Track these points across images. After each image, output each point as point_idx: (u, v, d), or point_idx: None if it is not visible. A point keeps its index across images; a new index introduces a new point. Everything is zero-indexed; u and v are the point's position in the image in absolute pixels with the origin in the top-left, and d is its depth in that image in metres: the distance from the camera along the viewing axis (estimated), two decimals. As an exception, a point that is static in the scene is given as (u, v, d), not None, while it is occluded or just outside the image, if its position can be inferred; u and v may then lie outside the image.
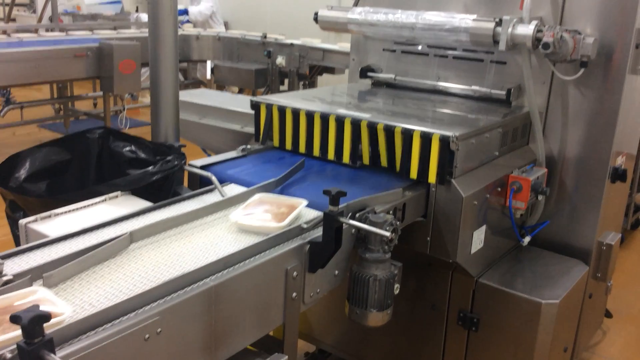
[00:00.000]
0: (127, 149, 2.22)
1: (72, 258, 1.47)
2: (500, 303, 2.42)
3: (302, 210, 1.85)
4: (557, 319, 2.38)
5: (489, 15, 2.57)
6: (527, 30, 2.38)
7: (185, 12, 7.96)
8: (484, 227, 2.37)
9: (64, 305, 1.25)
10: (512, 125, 2.59)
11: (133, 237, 1.63)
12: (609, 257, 2.77)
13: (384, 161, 2.31)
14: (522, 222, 2.72)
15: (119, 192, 2.00)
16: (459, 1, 2.84)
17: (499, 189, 2.42)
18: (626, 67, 2.50)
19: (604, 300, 3.14)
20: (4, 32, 6.28)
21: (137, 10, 8.30)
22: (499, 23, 2.44)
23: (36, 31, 6.83)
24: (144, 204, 1.94)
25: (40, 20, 8.85)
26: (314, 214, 1.92)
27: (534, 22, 2.38)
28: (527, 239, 2.64)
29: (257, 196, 1.91)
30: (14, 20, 9.72)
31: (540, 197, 2.55)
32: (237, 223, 1.74)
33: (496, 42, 2.44)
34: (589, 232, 2.70)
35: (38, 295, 1.29)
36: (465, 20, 2.51)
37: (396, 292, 1.90)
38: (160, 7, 2.04)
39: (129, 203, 1.96)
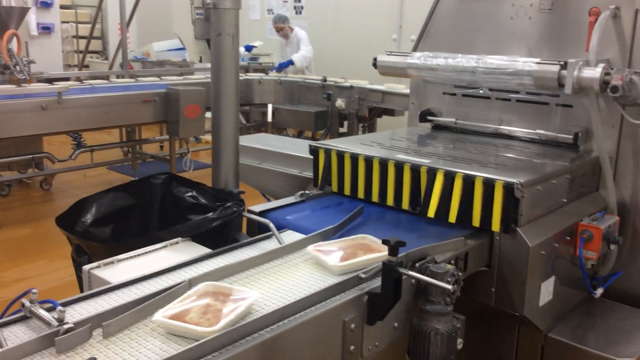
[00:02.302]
0: (189, 194, 2.26)
1: (131, 306, 1.49)
2: (571, 359, 2.28)
3: (250, 305, 1.50)
4: (634, 379, 2.22)
5: (552, 57, 2.50)
6: (594, 73, 2.30)
7: (290, 63, 8.27)
8: (552, 278, 2.26)
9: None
10: (581, 170, 2.48)
11: (191, 284, 1.63)
12: (691, 311, 2.58)
13: (439, 211, 2.25)
14: (594, 273, 2.57)
15: (179, 238, 2.02)
16: (521, 44, 2.79)
17: (568, 238, 2.31)
18: (703, 110, 2.37)
19: (686, 358, 2.91)
20: (78, 79, 6.63)
21: (200, 61, 8.64)
22: (564, 66, 2.36)
23: (107, 78, 7.18)
24: (203, 250, 1.95)
25: (111, 67, 9.33)
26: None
27: (601, 65, 2.30)
28: (599, 291, 2.49)
29: (204, 285, 1.58)
30: (87, 67, 10.28)
31: (612, 247, 2.41)
32: (161, 322, 1.42)
33: (561, 85, 2.36)
34: (666, 284, 2.53)
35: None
36: (528, 63, 2.46)
37: (459, 347, 1.82)
38: (223, 57, 2.09)
39: (188, 249, 1.98)
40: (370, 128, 7.00)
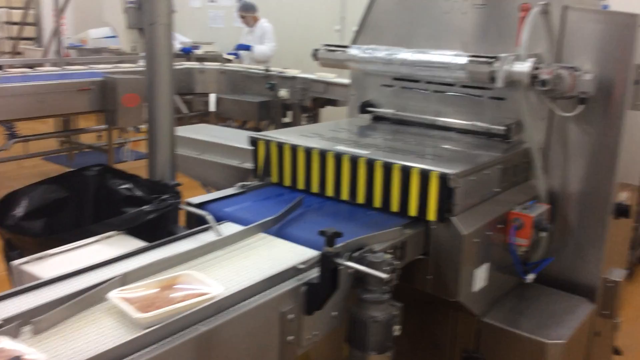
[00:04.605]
0: (124, 186, 2.22)
1: (62, 302, 1.45)
2: (505, 343, 2.37)
3: None
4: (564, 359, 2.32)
5: (486, 52, 2.57)
6: (523, 67, 2.37)
7: (248, 47, 8.11)
8: (486, 265, 2.33)
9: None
10: (513, 161, 2.57)
11: (126, 279, 1.61)
12: (615, 294, 2.72)
13: (377, 201, 2.29)
14: (526, 259, 2.67)
15: (114, 232, 1.98)
16: (456, 39, 2.84)
17: (501, 226, 2.39)
18: (626, 103, 2.49)
19: (612, 338, 3.07)
20: (10, 66, 6.36)
21: (133, 50, 8.44)
22: (496, 60, 2.43)
23: (41, 65, 6.92)
24: (139, 243, 1.92)
25: (46, 54, 8.98)
26: (311, 253, 1.89)
27: (531, 60, 2.38)
28: (530, 276, 2.59)
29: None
30: (20, 54, 9.86)
31: (542, 234, 2.51)
32: None
33: (493, 79, 2.43)
34: (593, 269, 2.65)
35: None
36: (462, 58, 2.51)
37: (396, 334, 1.86)
38: (157, 47, 2.05)
39: (123, 243, 1.94)
40: (314, 118, 7.02)
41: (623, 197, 2.70)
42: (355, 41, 3.13)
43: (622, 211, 2.64)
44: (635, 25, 2.44)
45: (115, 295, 1.47)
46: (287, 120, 7.03)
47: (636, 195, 3.02)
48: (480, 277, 2.32)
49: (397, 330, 1.85)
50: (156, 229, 2.03)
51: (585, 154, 2.60)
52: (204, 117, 7.94)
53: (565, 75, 2.36)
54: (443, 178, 2.13)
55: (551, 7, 2.57)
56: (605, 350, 3.03)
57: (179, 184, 2.19)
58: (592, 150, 2.59)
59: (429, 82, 2.96)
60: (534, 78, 2.36)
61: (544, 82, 2.33)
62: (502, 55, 2.40)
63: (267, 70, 6.97)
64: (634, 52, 2.46)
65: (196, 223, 2.16)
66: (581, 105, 2.46)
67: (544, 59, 2.57)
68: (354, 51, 2.86)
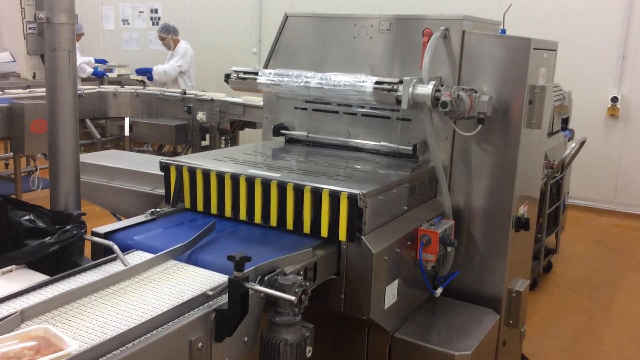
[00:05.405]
0: (26, 218, 2.12)
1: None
2: (416, 357, 2.43)
3: None
4: (472, 370, 2.41)
5: (392, 75, 2.66)
6: (426, 90, 2.49)
7: (149, 70, 7.89)
8: (396, 282, 2.40)
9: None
10: (419, 179, 2.66)
11: (24, 316, 1.54)
12: (519, 304, 2.86)
13: (289, 223, 2.31)
14: (435, 273, 2.77)
15: (13, 266, 1.89)
16: (365, 62, 2.93)
17: (409, 243, 2.47)
18: (521, 122, 2.65)
19: (518, 346, 3.21)
20: None
21: (34, 77, 8.13)
22: (400, 83, 2.53)
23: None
24: (40, 277, 1.84)
25: (-54, 78, 8.48)
26: (222, 279, 1.88)
27: (433, 82, 2.49)
28: (439, 290, 2.69)
29: None
30: None
31: (449, 249, 2.61)
32: None
33: (398, 101, 2.53)
34: (498, 281, 2.78)
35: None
36: (368, 81, 2.60)
37: (309, 354, 1.87)
38: (59, 73, 1.99)
39: (23, 277, 1.86)
40: (233, 141, 6.98)
41: (523, 210, 2.86)
42: (267, 64, 3.16)
43: (522, 224, 2.79)
44: (529, 48, 2.61)
45: None
46: (205, 143, 6.95)
47: (536, 208, 3.21)
48: (391, 293, 2.38)
49: (309, 351, 1.87)
50: (60, 261, 1.96)
51: (486, 170, 2.74)
52: (119, 142, 7.73)
53: (464, 97, 2.49)
54: (352, 198, 2.18)
55: (451, 32, 2.70)
56: (513, 359, 3.17)
57: (83, 214, 2.12)
58: (492, 167, 2.73)
59: (340, 104, 3.03)
60: (435, 100, 2.47)
61: (444, 104, 2.44)
62: (406, 78, 2.50)
63: (183, 93, 6.89)
64: (528, 73, 2.63)
65: (103, 253, 2.11)
66: (479, 125, 2.60)
67: (446, 82, 2.70)
68: (262, 77, 2.89)
